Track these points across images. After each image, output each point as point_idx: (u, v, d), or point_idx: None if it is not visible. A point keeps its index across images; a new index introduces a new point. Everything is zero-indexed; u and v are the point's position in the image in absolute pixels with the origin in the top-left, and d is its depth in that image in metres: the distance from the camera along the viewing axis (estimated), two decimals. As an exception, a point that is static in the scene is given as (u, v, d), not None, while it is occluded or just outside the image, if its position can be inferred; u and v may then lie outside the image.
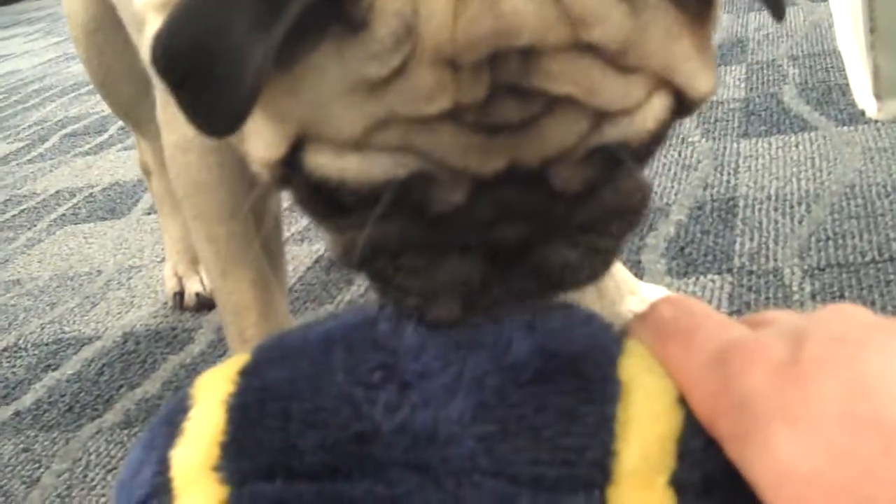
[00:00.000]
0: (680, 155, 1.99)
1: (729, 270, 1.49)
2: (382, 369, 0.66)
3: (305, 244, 1.91)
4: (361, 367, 0.66)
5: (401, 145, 0.62)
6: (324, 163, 0.64)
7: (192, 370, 1.52)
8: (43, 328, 1.78)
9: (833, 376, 0.53)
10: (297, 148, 0.65)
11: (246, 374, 0.68)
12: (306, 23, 0.61)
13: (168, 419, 0.68)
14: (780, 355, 0.56)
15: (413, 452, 0.63)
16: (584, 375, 0.64)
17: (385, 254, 0.68)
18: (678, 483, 0.60)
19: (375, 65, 0.61)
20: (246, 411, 0.66)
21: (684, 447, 0.60)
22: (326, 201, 0.68)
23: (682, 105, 0.68)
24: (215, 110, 0.62)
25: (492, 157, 0.63)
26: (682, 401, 0.62)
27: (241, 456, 0.64)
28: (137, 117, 1.67)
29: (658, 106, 0.66)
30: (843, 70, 2.26)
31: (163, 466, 0.66)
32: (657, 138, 0.67)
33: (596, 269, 0.70)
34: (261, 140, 0.66)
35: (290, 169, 0.67)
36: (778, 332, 0.59)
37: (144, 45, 0.73)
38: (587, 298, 1.36)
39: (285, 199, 2.05)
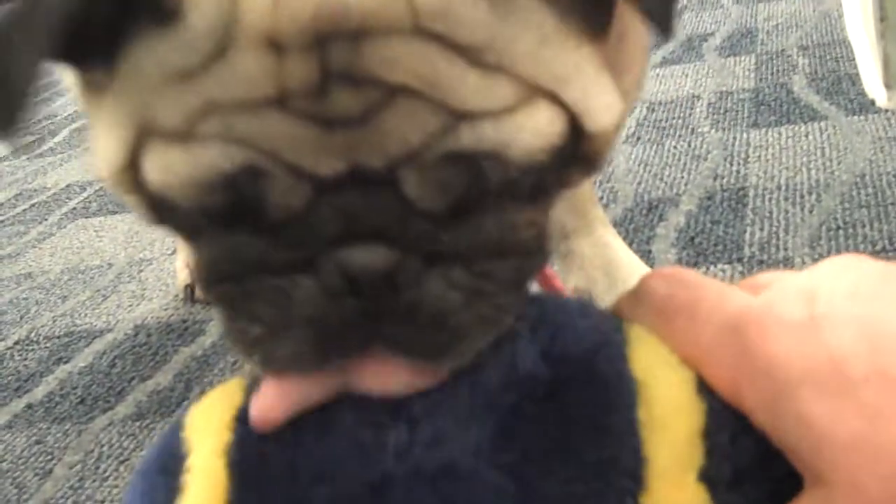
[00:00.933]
0: (690, 145, 1.99)
1: (739, 260, 1.49)
2: (388, 407, 0.62)
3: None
4: (367, 406, 0.62)
5: (225, 133, 0.57)
6: (155, 162, 0.60)
7: (204, 362, 1.53)
8: (55, 321, 1.79)
9: (854, 333, 0.52)
10: (136, 155, 0.61)
11: (244, 420, 0.63)
12: (120, 19, 0.59)
13: (164, 467, 0.65)
14: (795, 316, 0.54)
15: (433, 495, 0.59)
16: (599, 379, 0.61)
17: (226, 275, 0.62)
18: (709, 478, 0.58)
19: (191, 54, 0.57)
20: (249, 467, 0.62)
21: (712, 442, 0.59)
22: (166, 213, 0.63)
23: (579, 134, 0.61)
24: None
25: (330, 154, 0.57)
26: (702, 390, 0.60)
27: None
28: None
29: (539, 118, 0.60)
30: (853, 60, 2.26)
31: None
32: (546, 165, 0.60)
33: (484, 319, 0.62)
34: (102, 151, 0.63)
35: (136, 182, 0.62)
36: (784, 293, 0.57)
37: None
38: (598, 289, 1.36)
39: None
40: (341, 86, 0.57)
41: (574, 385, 0.61)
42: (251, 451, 0.62)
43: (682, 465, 0.58)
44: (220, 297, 0.64)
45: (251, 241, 0.60)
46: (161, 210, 0.63)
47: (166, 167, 0.59)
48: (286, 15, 0.56)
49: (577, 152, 0.62)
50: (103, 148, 0.62)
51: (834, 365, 0.51)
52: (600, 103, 0.62)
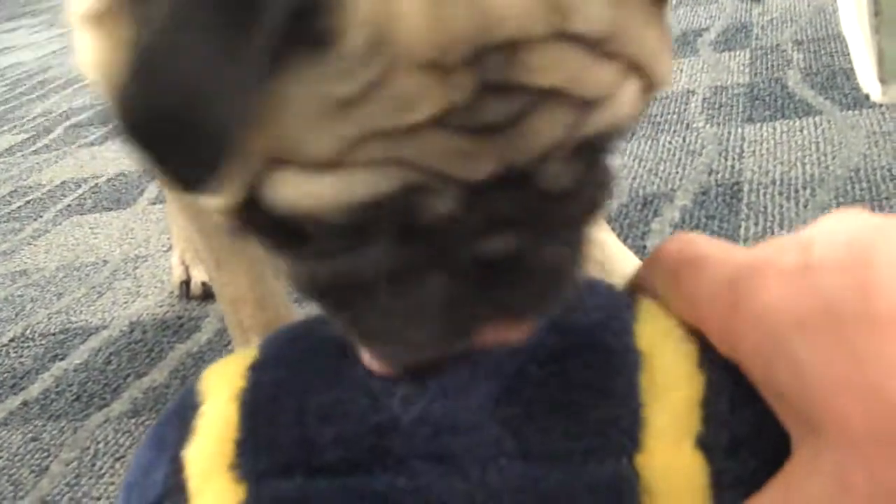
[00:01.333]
0: (684, 140, 1.99)
1: (734, 255, 1.49)
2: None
3: (311, 232, 1.91)
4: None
5: (385, 158, 0.58)
6: (292, 192, 0.59)
7: (200, 359, 1.53)
8: (50, 318, 1.79)
9: (845, 279, 0.53)
10: (257, 182, 0.60)
11: (256, 368, 0.67)
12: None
13: (177, 416, 0.67)
14: (791, 264, 0.55)
15: (434, 443, 0.62)
16: (604, 348, 0.64)
17: (358, 284, 0.63)
18: (705, 445, 0.60)
19: (347, 82, 0.56)
20: (260, 407, 0.65)
21: (709, 410, 0.60)
22: (289, 233, 0.63)
23: (648, 89, 0.66)
24: (189, 169, 0.57)
25: (482, 160, 0.59)
26: (704, 364, 0.62)
27: (257, 453, 0.63)
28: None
29: (630, 90, 0.63)
30: (848, 54, 2.26)
31: (176, 466, 0.65)
32: (629, 124, 0.65)
33: (575, 268, 0.68)
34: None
35: (251, 209, 0.62)
36: (782, 245, 0.58)
37: (78, 58, 0.71)
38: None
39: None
40: (493, 96, 0.58)
41: (579, 351, 0.64)
42: (262, 394, 0.65)
43: (680, 430, 0.60)
44: (341, 306, 0.65)
45: (390, 248, 0.61)
46: (281, 231, 0.63)
47: (312, 195, 0.59)
48: (444, 34, 0.56)
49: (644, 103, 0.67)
50: (210, 199, 0.61)
51: (825, 309, 0.52)
52: (665, 65, 0.66)
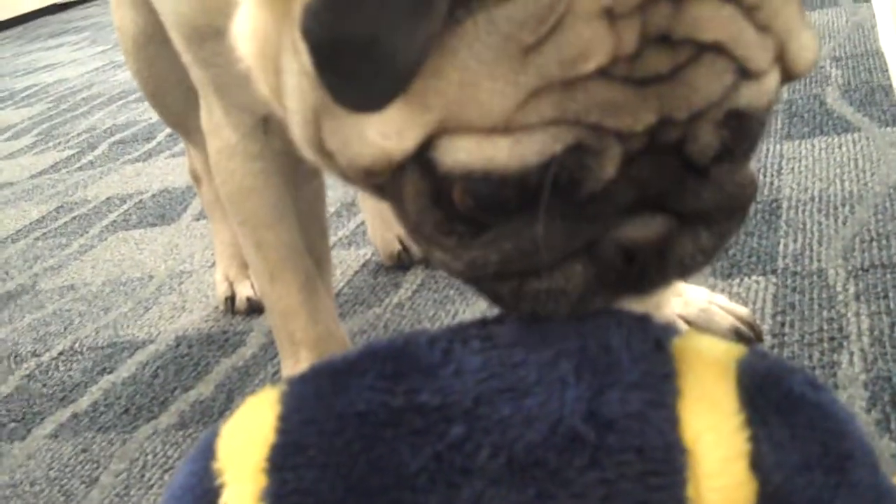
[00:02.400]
0: (723, 157, 2.00)
1: (773, 272, 1.51)
2: (430, 464, 0.64)
3: (353, 248, 1.94)
4: (405, 464, 0.64)
5: (555, 116, 0.61)
6: (466, 155, 0.62)
7: (245, 373, 1.55)
8: (98, 332, 1.82)
9: None
10: (425, 145, 0.63)
11: (278, 466, 0.65)
12: None
13: (197, 500, 0.66)
14: None
15: None
16: (646, 449, 0.62)
17: (517, 263, 0.67)
18: None
19: (531, 26, 0.59)
20: None
21: None
22: (441, 203, 0.67)
23: (786, 79, 0.69)
24: (369, 86, 0.61)
25: (643, 111, 0.62)
26: (757, 466, 0.61)
27: None
28: (187, 126, 1.70)
29: (775, 77, 0.67)
30: (886, 71, 2.26)
31: None
32: (769, 112, 0.68)
33: (714, 257, 0.71)
34: (390, 126, 0.64)
35: (412, 165, 0.65)
36: None
37: (232, 34, 0.74)
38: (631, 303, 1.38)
39: (330, 203, 2.08)
40: (656, 46, 0.61)
41: (619, 456, 0.62)
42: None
43: None
44: (492, 292, 0.70)
45: (552, 225, 0.65)
46: (441, 197, 0.66)
47: (486, 159, 0.62)
48: None
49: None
50: (391, 124, 0.63)
51: None
52: (811, 46, 0.69)
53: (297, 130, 0.72)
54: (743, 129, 0.66)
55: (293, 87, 0.70)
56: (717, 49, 0.62)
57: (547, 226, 0.65)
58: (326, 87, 0.63)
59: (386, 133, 0.64)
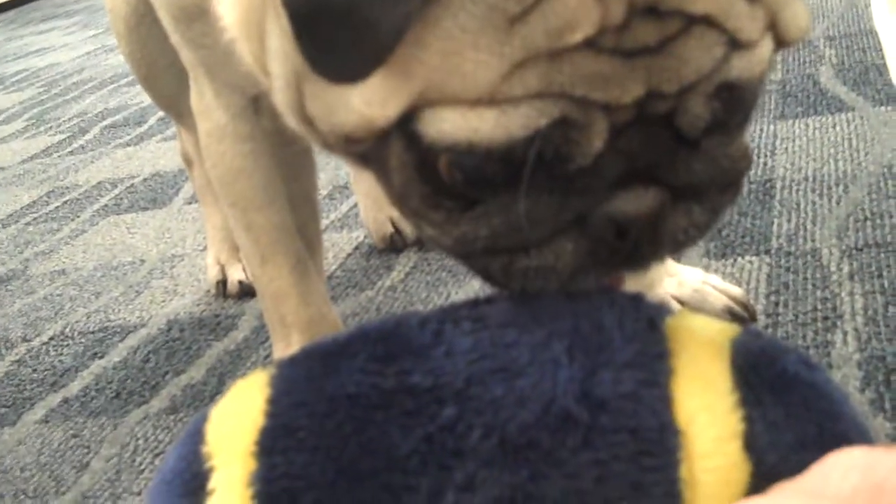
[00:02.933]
0: (716, 137, 1.99)
1: (767, 252, 1.50)
2: (421, 446, 0.63)
3: (345, 231, 1.93)
4: (396, 446, 0.63)
5: (541, 88, 0.60)
6: (450, 126, 0.61)
7: (237, 356, 1.55)
8: (89, 317, 1.81)
9: None
10: (409, 115, 0.62)
11: (267, 449, 0.64)
12: None
13: (186, 488, 0.66)
14: None
15: None
16: (640, 430, 0.61)
17: (506, 239, 0.66)
18: None
19: None
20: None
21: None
22: (432, 183, 0.66)
23: (778, 48, 0.68)
24: (350, 56, 0.60)
25: (630, 84, 0.61)
26: (750, 447, 0.60)
27: None
28: (179, 109, 1.68)
29: (767, 47, 0.66)
30: (881, 50, 2.25)
31: None
32: (762, 83, 0.67)
33: (707, 231, 0.70)
34: (373, 94, 0.63)
35: (396, 135, 0.64)
36: None
37: (216, 2, 0.73)
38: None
39: (322, 185, 2.07)
40: (644, 18, 0.60)
41: (612, 436, 0.61)
42: (278, 488, 0.63)
43: None
44: (483, 268, 0.68)
45: (541, 200, 0.63)
46: (427, 170, 0.65)
47: (471, 131, 0.61)
48: None
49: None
50: (374, 91, 0.62)
51: None
52: (802, 15, 0.68)
53: (280, 96, 0.71)
54: (735, 101, 0.65)
55: (276, 50, 0.69)
56: (707, 21, 0.61)
57: (534, 200, 0.64)
58: (306, 56, 0.62)
59: (369, 101, 0.63)
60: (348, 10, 0.58)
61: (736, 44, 0.63)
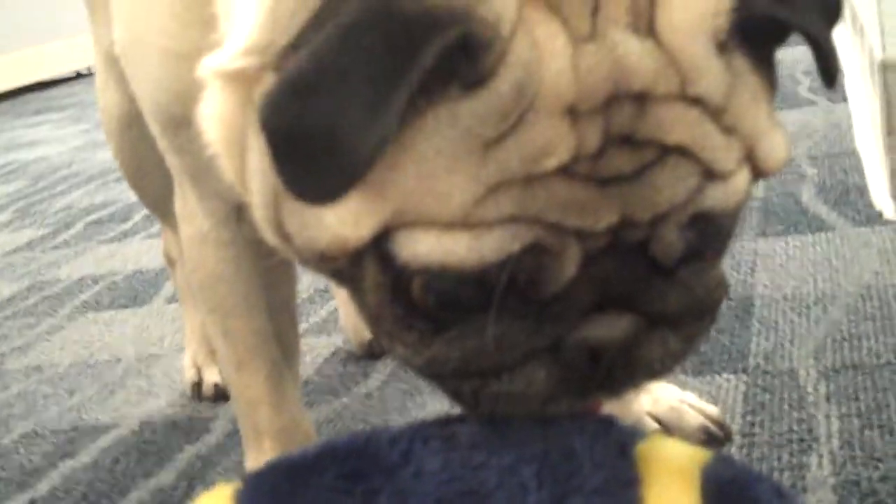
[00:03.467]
0: (697, 253, 2.00)
1: (744, 370, 1.50)
2: None
3: (324, 336, 1.92)
4: None
5: (515, 213, 0.60)
6: (424, 248, 0.61)
7: (208, 461, 1.53)
8: (61, 415, 1.80)
9: None
10: (383, 236, 0.63)
11: None
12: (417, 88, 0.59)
13: None
14: None
15: None
16: None
17: (478, 362, 0.66)
18: None
19: (493, 121, 0.59)
20: None
21: None
22: (399, 293, 0.66)
23: (756, 177, 0.68)
24: (325, 177, 0.60)
25: (604, 211, 0.61)
26: None
27: None
28: (164, 210, 1.68)
29: (744, 178, 0.66)
30: (862, 170, 2.28)
31: None
32: (738, 212, 0.67)
33: (682, 360, 0.70)
34: (347, 214, 0.63)
35: (370, 255, 0.64)
36: None
37: (199, 117, 0.74)
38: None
39: (303, 289, 2.07)
40: (620, 147, 0.61)
41: None
42: None
43: None
44: (454, 390, 0.68)
45: (513, 324, 0.64)
46: (400, 291, 0.65)
47: (444, 253, 0.61)
48: (584, 81, 0.60)
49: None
50: (347, 211, 0.63)
51: None
52: (781, 146, 0.68)
53: (259, 212, 0.71)
54: (710, 231, 0.65)
55: (255, 167, 0.69)
56: (682, 151, 0.62)
57: (507, 325, 0.63)
58: (282, 177, 0.62)
59: (342, 220, 0.63)
60: (325, 133, 0.59)
61: (711, 174, 0.63)
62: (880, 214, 2.01)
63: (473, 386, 0.67)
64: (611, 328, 0.65)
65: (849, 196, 2.18)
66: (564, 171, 0.60)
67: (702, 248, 0.66)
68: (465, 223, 0.61)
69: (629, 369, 0.67)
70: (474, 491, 0.64)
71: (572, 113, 0.60)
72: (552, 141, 0.60)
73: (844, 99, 2.80)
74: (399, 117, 0.59)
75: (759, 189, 2.31)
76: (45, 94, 7.07)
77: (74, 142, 4.95)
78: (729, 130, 0.65)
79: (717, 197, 0.64)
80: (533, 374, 0.65)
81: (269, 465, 0.71)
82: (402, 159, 0.61)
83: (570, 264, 0.62)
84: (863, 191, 2.16)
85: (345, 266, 0.67)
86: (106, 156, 4.00)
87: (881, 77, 1.93)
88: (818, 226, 2.04)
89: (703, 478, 0.66)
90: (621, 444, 0.67)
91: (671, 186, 0.62)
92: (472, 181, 0.60)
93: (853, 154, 2.42)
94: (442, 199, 0.61)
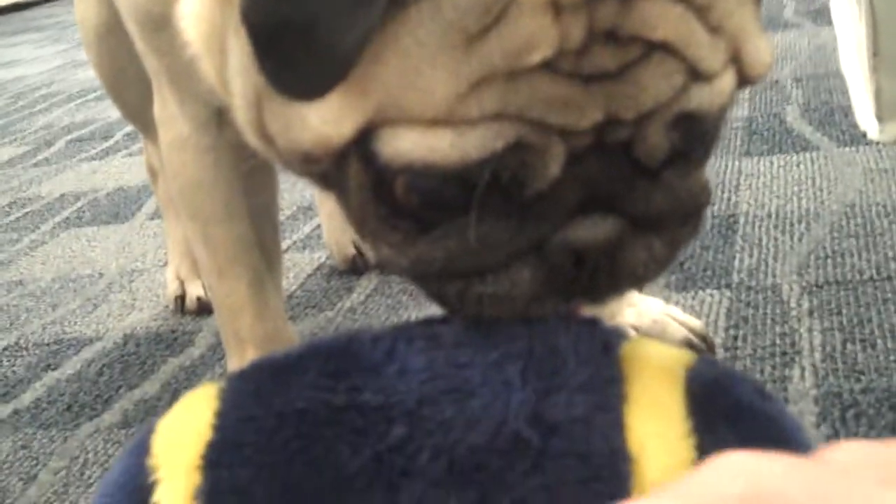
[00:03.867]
0: (682, 172, 2.00)
1: (728, 286, 1.50)
2: (369, 465, 0.62)
3: (307, 251, 1.92)
4: (343, 465, 0.62)
5: (498, 110, 0.59)
6: (407, 145, 0.61)
7: (192, 373, 1.53)
8: (44, 328, 1.79)
9: None
10: (366, 135, 0.62)
11: (213, 464, 0.63)
12: None
13: (129, 496, 0.65)
14: None
15: None
16: (590, 457, 0.61)
17: (462, 263, 0.65)
18: None
19: (476, 14, 0.58)
20: None
21: None
22: (389, 204, 0.65)
23: (741, 84, 0.68)
24: (308, 73, 0.60)
25: (588, 109, 0.61)
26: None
27: None
28: (145, 120, 1.66)
29: (729, 80, 0.66)
30: (846, 92, 2.27)
31: None
32: (723, 116, 0.67)
33: (654, 276, 0.69)
34: (330, 112, 0.62)
35: (353, 154, 0.64)
36: None
37: (178, 17, 0.73)
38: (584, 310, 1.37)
39: (286, 206, 2.06)
40: (604, 43, 0.60)
41: (563, 460, 0.61)
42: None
43: None
44: (438, 292, 0.67)
45: (496, 224, 0.63)
46: (383, 191, 0.65)
47: (427, 150, 0.60)
48: None
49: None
50: (329, 110, 0.62)
51: None
52: (764, 51, 0.68)
53: (240, 114, 0.70)
54: (694, 132, 0.65)
55: (236, 67, 0.69)
56: (667, 48, 0.61)
57: (491, 225, 0.63)
58: (265, 73, 0.62)
59: (325, 118, 0.62)
60: (307, 26, 0.58)
61: (696, 74, 0.63)
62: (864, 135, 2.00)
63: (458, 288, 0.66)
64: (595, 230, 0.64)
65: (833, 116, 2.17)
66: (548, 66, 0.60)
67: (686, 150, 0.66)
68: (448, 120, 0.60)
69: (614, 273, 0.67)
70: (458, 388, 0.64)
71: (555, 7, 0.59)
72: (535, 35, 0.59)
73: (829, 23, 2.78)
74: (382, 9, 0.58)
75: (744, 109, 2.31)
76: (25, 14, 6.99)
77: (54, 62, 4.90)
78: (714, 30, 0.64)
79: (703, 98, 0.64)
80: (517, 276, 0.65)
81: (252, 365, 0.71)
82: (385, 54, 0.60)
83: (553, 164, 0.61)
84: (847, 111, 2.16)
85: (328, 168, 0.66)
86: (86, 75, 3.98)
87: (869, -4, 1.91)
88: (802, 146, 2.04)
89: (687, 377, 0.66)
90: (606, 342, 0.67)
91: (656, 84, 0.62)
92: (455, 76, 0.59)
93: (837, 76, 2.42)
94: (425, 95, 0.60)
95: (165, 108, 1.13)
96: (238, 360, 1.18)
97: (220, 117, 1.10)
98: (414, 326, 0.70)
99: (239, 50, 0.68)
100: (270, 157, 0.72)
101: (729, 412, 0.65)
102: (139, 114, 1.67)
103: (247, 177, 1.15)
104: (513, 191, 0.62)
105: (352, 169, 0.65)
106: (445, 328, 0.68)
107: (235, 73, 0.70)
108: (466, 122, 0.60)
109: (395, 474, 0.62)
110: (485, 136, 0.60)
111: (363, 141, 0.62)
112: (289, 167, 0.71)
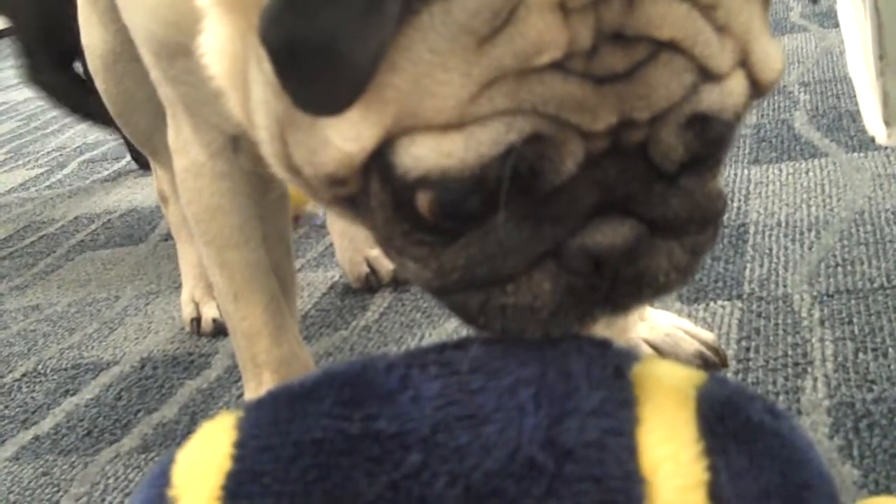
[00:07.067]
0: (691, 181, 2.00)
1: (739, 296, 1.51)
2: (386, 493, 0.63)
3: (321, 270, 1.93)
4: (360, 493, 0.64)
5: (510, 106, 0.61)
6: (423, 152, 0.62)
7: (209, 395, 1.54)
8: (62, 353, 1.81)
9: None
10: (384, 148, 0.64)
11: (233, 494, 0.65)
12: None
13: None
14: None
15: None
16: (604, 479, 0.62)
17: (483, 271, 0.67)
18: None
19: (486, 16, 0.60)
20: None
21: None
22: (411, 220, 0.67)
23: (754, 91, 0.69)
24: (329, 87, 0.61)
25: (602, 111, 0.62)
26: (713, 495, 0.61)
27: None
28: (155, 145, 1.68)
29: (739, 83, 0.67)
30: (854, 97, 2.27)
31: None
32: (737, 120, 0.67)
33: (689, 275, 0.70)
34: (349, 129, 0.64)
35: (375, 171, 0.65)
36: None
37: (201, 49, 0.74)
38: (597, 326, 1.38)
39: (296, 227, 2.07)
40: (611, 43, 0.62)
41: (578, 485, 0.62)
42: None
43: None
44: (461, 305, 0.69)
45: (513, 228, 0.64)
46: (405, 205, 0.66)
47: (443, 155, 0.62)
48: None
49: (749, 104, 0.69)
50: (349, 126, 0.64)
51: None
52: (775, 56, 0.69)
53: (266, 147, 0.72)
54: (708, 134, 0.66)
55: (259, 99, 0.70)
56: (674, 47, 0.63)
57: (510, 227, 0.65)
58: (288, 91, 0.63)
59: (346, 135, 0.64)
60: (324, 44, 0.60)
61: (705, 73, 0.64)
62: (873, 140, 2.01)
63: (480, 299, 0.68)
64: (613, 234, 0.65)
65: (841, 122, 2.18)
66: (559, 67, 0.61)
67: (701, 153, 0.67)
68: (460, 122, 0.62)
69: (635, 281, 0.68)
70: (472, 415, 0.65)
71: (563, 9, 0.61)
72: (544, 36, 0.61)
73: (836, 25, 2.79)
74: (395, 18, 0.60)
75: (752, 116, 2.31)
76: (34, 34, 6.99)
77: (65, 82, 4.91)
78: (721, 29, 0.65)
79: (714, 98, 0.65)
80: (538, 286, 0.66)
81: (269, 394, 0.72)
82: (400, 62, 0.62)
83: (570, 158, 0.63)
84: (855, 116, 2.16)
85: (354, 189, 0.68)
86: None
87: (873, 0, 1.92)
88: (811, 152, 2.04)
89: (699, 398, 0.67)
90: (618, 365, 0.68)
91: (666, 84, 0.63)
92: (467, 79, 0.61)
93: (845, 80, 2.42)
94: (438, 100, 0.62)
95: (180, 135, 1.14)
96: (255, 384, 1.20)
97: (234, 144, 1.11)
98: (427, 352, 0.71)
99: (261, 82, 0.70)
100: (300, 188, 0.73)
101: (740, 432, 0.66)
102: (149, 139, 1.68)
103: (261, 202, 1.16)
104: (530, 185, 0.63)
105: (373, 187, 0.66)
106: (458, 354, 0.69)
107: (258, 105, 0.71)
108: (478, 121, 0.61)
109: (411, 502, 0.63)
110: (497, 131, 0.61)
111: (382, 154, 0.64)
112: (317, 197, 0.72)
